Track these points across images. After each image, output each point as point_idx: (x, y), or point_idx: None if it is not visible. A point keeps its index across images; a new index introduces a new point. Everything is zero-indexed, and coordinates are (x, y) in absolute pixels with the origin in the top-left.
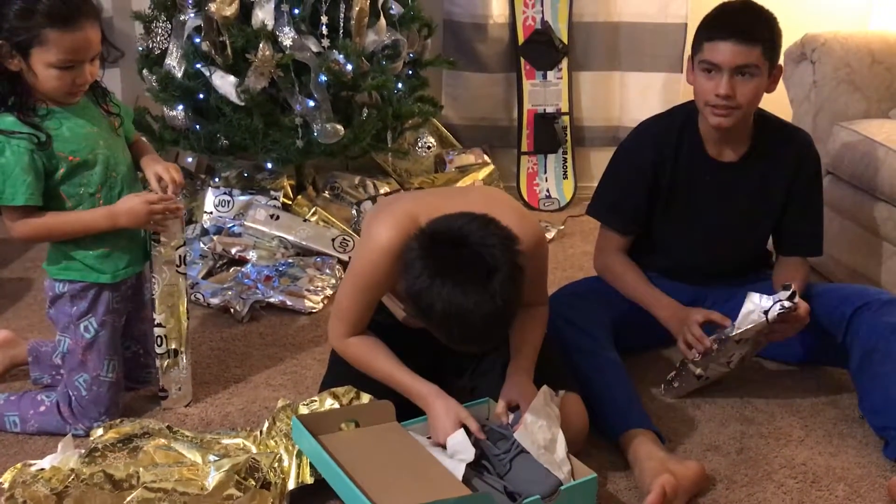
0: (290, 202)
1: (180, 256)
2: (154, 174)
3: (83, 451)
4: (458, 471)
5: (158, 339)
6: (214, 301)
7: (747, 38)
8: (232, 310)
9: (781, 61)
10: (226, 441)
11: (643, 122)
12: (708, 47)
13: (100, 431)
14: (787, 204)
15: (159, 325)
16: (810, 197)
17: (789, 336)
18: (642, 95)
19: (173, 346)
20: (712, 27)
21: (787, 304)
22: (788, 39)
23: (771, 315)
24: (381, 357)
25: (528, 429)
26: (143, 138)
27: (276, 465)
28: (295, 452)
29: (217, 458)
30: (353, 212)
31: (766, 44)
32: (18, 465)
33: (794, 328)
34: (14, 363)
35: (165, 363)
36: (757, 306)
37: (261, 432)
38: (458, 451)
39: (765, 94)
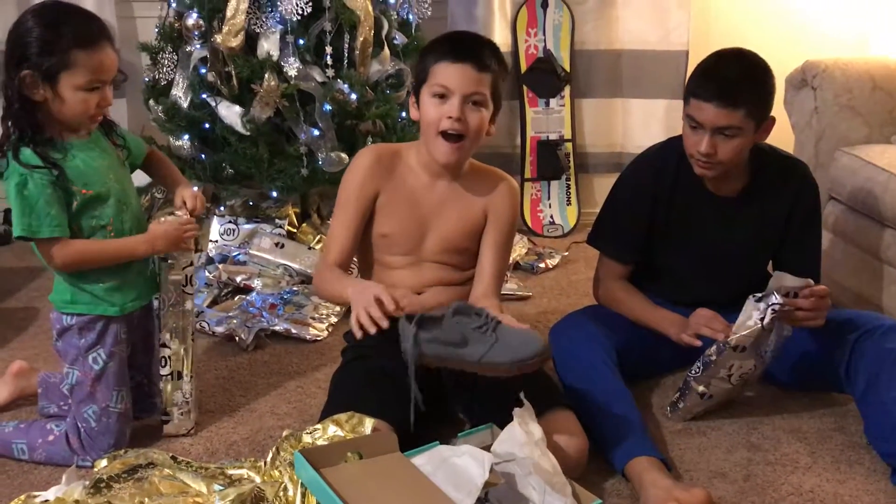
0: (295, 230)
1: (187, 276)
2: (181, 198)
3: (87, 482)
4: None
5: (163, 359)
6: (219, 329)
7: (730, 101)
8: (237, 338)
9: (782, 89)
10: (230, 471)
11: (643, 153)
12: (693, 104)
13: (104, 462)
14: (785, 236)
15: (164, 345)
16: (808, 229)
17: (817, 323)
18: (644, 122)
19: (178, 368)
20: (699, 84)
21: (777, 305)
22: (789, 66)
23: (766, 322)
24: (340, 279)
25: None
26: (158, 150)
27: (280, 494)
28: (300, 482)
29: (222, 488)
30: None
31: (750, 106)
32: (23, 497)
33: (816, 315)
34: (24, 394)
35: (169, 385)
36: (753, 313)
37: (265, 462)
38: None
39: None
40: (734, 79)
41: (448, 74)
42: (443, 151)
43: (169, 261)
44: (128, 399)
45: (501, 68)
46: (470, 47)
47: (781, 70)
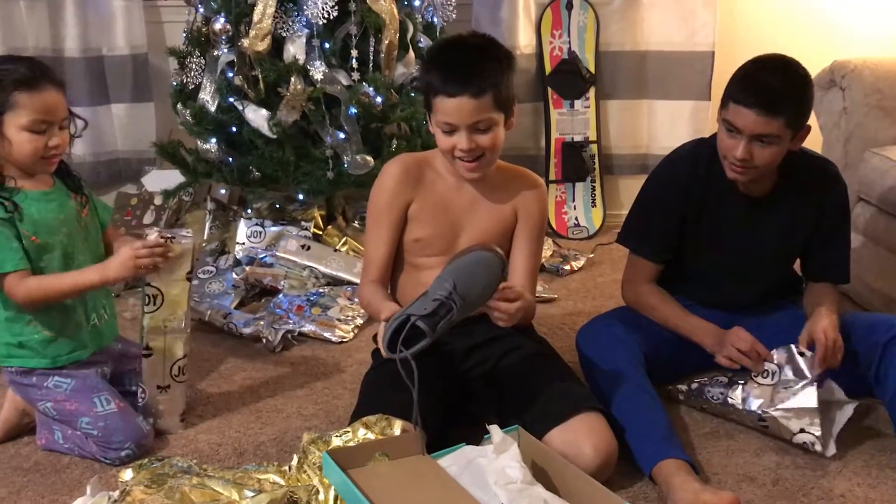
0: (321, 232)
1: (188, 276)
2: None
3: (114, 493)
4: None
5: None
6: (246, 331)
7: (771, 110)
8: (264, 339)
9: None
10: (258, 476)
11: (674, 151)
12: (732, 109)
13: (129, 473)
14: (814, 236)
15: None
16: (837, 227)
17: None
18: (670, 123)
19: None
20: (740, 89)
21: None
22: (817, 66)
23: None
24: (377, 298)
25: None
26: (117, 231)
27: (313, 497)
28: (330, 486)
29: (254, 494)
30: None
31: (790, 116)
32: None
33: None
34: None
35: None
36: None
37: (290, 467)
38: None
39: None
40: (777, 88)
41: (448, 110)
42: (464, 170)
43: (154, 281)
44: (117, 398)
45: (502, 72)
46: (462, 76)
47: (809, 70)
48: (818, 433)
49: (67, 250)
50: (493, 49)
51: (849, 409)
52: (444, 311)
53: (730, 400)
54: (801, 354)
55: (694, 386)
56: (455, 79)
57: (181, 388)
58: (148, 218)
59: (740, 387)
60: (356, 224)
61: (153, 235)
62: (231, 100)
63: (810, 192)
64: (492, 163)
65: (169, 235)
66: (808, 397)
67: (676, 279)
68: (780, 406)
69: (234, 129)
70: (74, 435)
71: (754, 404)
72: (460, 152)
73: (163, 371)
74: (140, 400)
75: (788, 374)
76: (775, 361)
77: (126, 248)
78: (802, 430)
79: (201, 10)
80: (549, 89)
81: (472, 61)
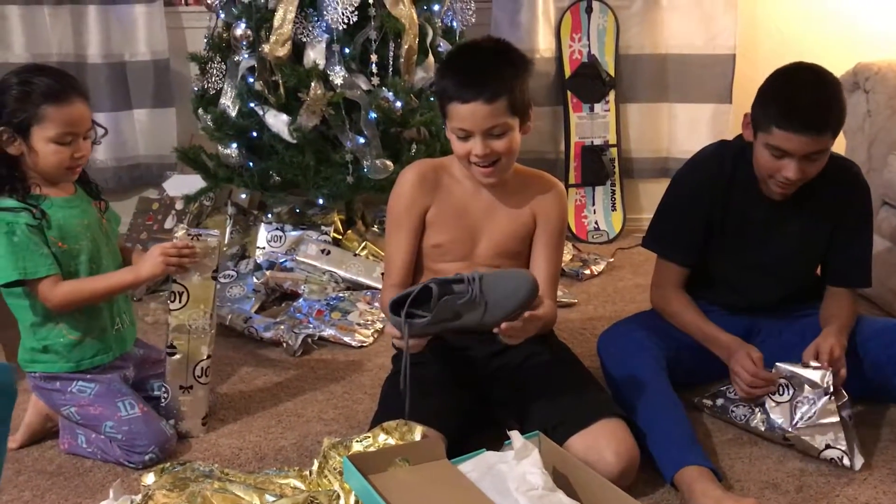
0: (341, 237)
1: (214, 275)
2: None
3: (136, 497)
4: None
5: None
6: (267, 335)
7: (819, 130)
8: (284, 343)
9: None
10: (279, 480)
11: (697, 154)
12: (779, 135)
13: (151, 477)
14: (836, 237)
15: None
16: (859, 230)
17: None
18: (691, 126)
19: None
20: (782, 115)
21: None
22: (840, 69)
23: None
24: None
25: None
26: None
27: (333, 502)
28: (351, 492)
29: (275, 498)
30: None
31: (835, 128)
32: None
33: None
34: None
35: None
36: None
37: (310, 472)
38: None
39: None
40: (819, 106)
41: (462, 117)
42: (480, 175)
43: (182, 278)
44: (140, 402)
45: (517, 77)
46: (475, 81)
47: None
48: (844, 447)
49: (93, 255)
50: (508, 54)
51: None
52: (459, 288)
53: (752, 423)
54: (806, 366)
55: (719, 402)
56: (468, 85)
57: (204, 389)
58: (169, 223)
59: (759, 411)
60: (375, 228)
61: (180, 233)
62: (252, 105)
63: (833, 193)
64: (508, 167)
65: (196, 233)
66: (827, 412)
67: (700, 284)
68: (801, 425)
69: (254, 134)
70: (98, 439)
71: (776, 423)
72: (476, 158)
73: (186, 371)
74: (163, 400)
75: (803, 387)
76: (783, 377)
77: (156, 247)
78: (829, 446)
79: (222, 15)
80: (569, 93)
81: (485, 67)
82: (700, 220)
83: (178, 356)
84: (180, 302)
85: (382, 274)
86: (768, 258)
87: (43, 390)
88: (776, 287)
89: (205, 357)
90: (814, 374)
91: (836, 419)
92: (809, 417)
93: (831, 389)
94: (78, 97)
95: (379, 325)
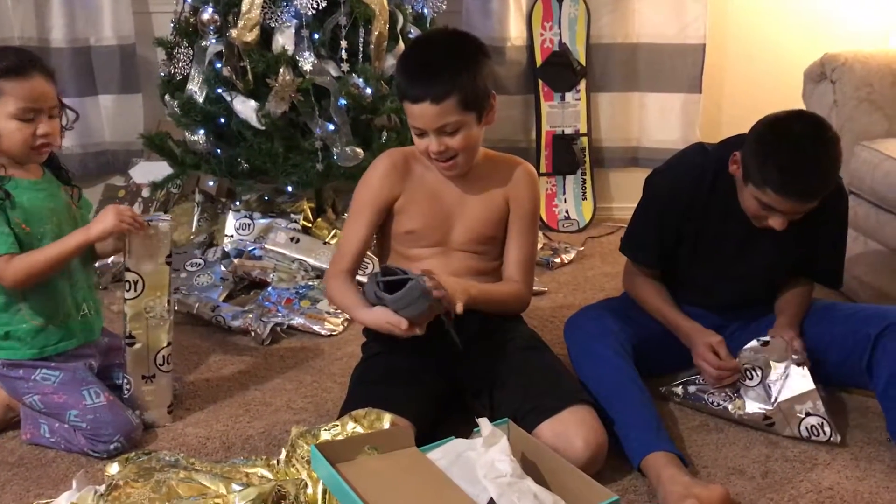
0: (311, 225)
1: (168, 260)
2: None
3: (100, 487)
4: (481, 499)
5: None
6: (235, 324)
7: (815, 198)
8: (252, 332)
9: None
10: (246, 469)
11: (677, 158)
12: (773, 197)
13: (116, 467)
14: (813, 243)
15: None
16: (836, 234)
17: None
18: (661, 116)
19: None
20: (783, 188)
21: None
22: (808, 59)
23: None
24: (349, 296)
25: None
26: None
27: (301, 491)
28: (319, 480)
29: (242, 487)
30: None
31: (831, 191)
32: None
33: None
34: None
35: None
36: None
37: (278, 461)
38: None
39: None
40: (819, 177)
41: (414, 115)
42: (441, 169)
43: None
44: (106, 392)
45: (469, 71)
46: (422, 80)
47: (800, 63)
48: (823, 412)
49: (57, 240)
50: (459, 48)
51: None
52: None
53: (730, 409)
54: (766, 343)
55: (692, 389)
56: (416, 84)
57: (167, 378)
58: (136, 210)
59: (735, 397)
60: (345, 217)
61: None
62: (219, 91)
63: (816, 208)
64: (468, 162)
65: (147, 219)
66: (802, 381)
67: (674, 284)
68: (780, 399)
69: (222, 120)
70: (62, 428)
71: (754, 407)
72: (433, 154)
73: (147, 360)
74: (126, 392)
75: (769, 364)
76: (747, 362)
77: (110, 206)
78: (809, 414)
79: (189, 0)
80: (540, 82)
81: (433, 65)
82: (673, 229)
83: (137, 346)
84: (135, 290)
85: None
86: (742, 268)
87: (5, 378)
88: (751, 292)
89: (165, 345)
90: (776, 346)
91: (811, 386)
92: (786, 389)
93: (800, 359)
94: (38, 73)
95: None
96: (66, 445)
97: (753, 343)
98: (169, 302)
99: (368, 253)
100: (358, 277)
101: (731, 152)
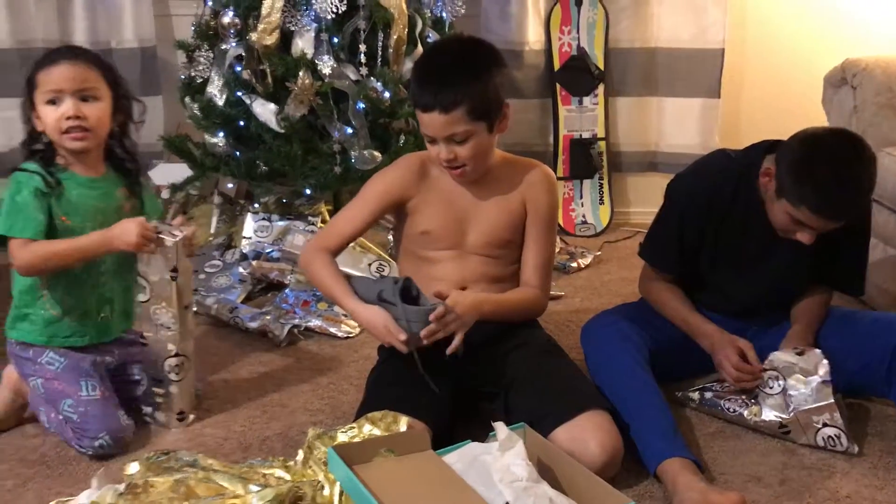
0: None
1: (171, 275)
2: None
3: (120, 486)
4: (496, 503)
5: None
6: (253, 325)
7: (851, 217)
8: (270, 334)
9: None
10: (263, 470)
11: (699, 164)
12: (808, 216)
13: (135, 466)
14: (835, 250)
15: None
16: (859, 242)
17: None
18: (679, 121)
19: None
20: (820, 208)
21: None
22: (828, 64)
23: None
24: (337, 281)
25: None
26: None
27: (318, 493)
28: (336, 481)
29: (259, 488)
30: (389, 237)
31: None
32: (53, 502)
33: None
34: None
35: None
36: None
37: (295, 462)
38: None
39: (805, 115)
40: (855, 199)
41: (424, 123)
42: (452, 176)
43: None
44: (103, 387)
45: (480, 81)
46: (431, 91)
47: (820, 68)
48: (841, 424)
49: (82, 235)
50: (470, 57)
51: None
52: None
53: (746, 415)
54: (801, 353)
55: (707, 396)
56: (426, 93)
57: (177, 386)
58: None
59: (752, 403)
60: None
61: (153, 223)
62: (239, 94)
63: None
64: (478, 169)
65: (159, 230)
66: (822, 393)
67: (693, 288)
68: (798, 409)
69: (241, 123)
70: (56, 419)
71: (771, 414)
72: (442, 161)
73: (156, 364)
74: (141, 387)
75: (794, 375)
76: (773, 367)
77: (136, 221)
78: (826, 425)
79: (210, 3)
80: (558, 86)
81: (443, 75)
82: (694, 234)
83: (148, 347)
84: (145, 295)
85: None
86: (762, 274)
87: (17, 357)
88: (767, 298)
89: (172, 353)
90: (809, 362)
91: (831, 400)
92: (805, 401)
93: (828, 377)
94: (65, 59)
95: None
96: (60, 436)
97: (787, 352)
98: (176, 315)
99: (385, 255)
100: (349, 271)
101: (756, 159)
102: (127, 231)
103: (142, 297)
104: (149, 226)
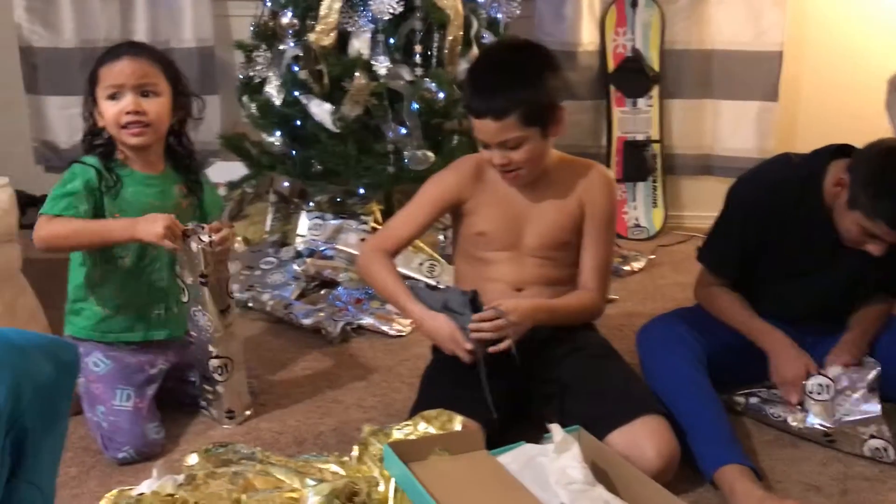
0: (380, 227)
1: (202, 274)
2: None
3: (180, 477)
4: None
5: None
6: (307, 322)
7: None
8: (323, 331)
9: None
10: (318, 465)
11: (761, 169)
12: (881, 228)
13: (195, 457)
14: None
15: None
16: None
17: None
18: (735, 124)
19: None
20: (883, 213)
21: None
22: (891, 67)
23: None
24: (399, 286)
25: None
26: None
27: (373, 489)
28: (391, 479)
29: (316, 483)
30: (440, 237)
31: None
32: (115, 491)
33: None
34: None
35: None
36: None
37: (349, 458)
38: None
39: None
40: None
41: (477, 129)
42: (506, 180)
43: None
44: (138, 399)
45: (533, 86)
46: (484, 97)
47: (883, 70)
48: (889, 436)
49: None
50: (523, 63)
51: None
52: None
53: (790, 420)
54: (859, 364)
55: (753, 401)
56: (478, 99)
57: (222, 386)
58: None
59: (798, 409)
60: None
61: (191, 225)
62: (296, 94)
63: None
64: (532, 173)
65: (190, 232)
66: (869, 404)
67: (751, 295)
68: (843, 420)
69: (298, 122)
70: (92, 419)
71: (815, 421)
72: (496, 166)
73: (203, 362)
74: (196, 387)
75: (844, 383)
76: (830, 375)
77: (164, 216)
78: (873, 437)
79: (269, 4)
80: (612, 87)
81: (496, 81)
82: (755, 239)
83: (194, 346)
84: (185, 296)
85: (426, 284)
86: (824, 281)
87: None
88: (828, 306)
89: (213, 355)
90: (861, 371)
91: (878, 412)
92: (851, 412)
93: (876, 386)
94: (126, 55)
95: None
96: (93, 432)
97: (841, 366)
98: (213, 319)
99: (436, 255)
100: (402, 270)
101: (820, 166)
102: (153, 222)
103: (184, 298)
104: (178, 223)
